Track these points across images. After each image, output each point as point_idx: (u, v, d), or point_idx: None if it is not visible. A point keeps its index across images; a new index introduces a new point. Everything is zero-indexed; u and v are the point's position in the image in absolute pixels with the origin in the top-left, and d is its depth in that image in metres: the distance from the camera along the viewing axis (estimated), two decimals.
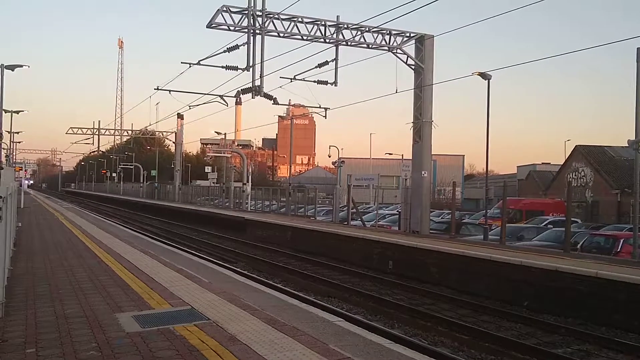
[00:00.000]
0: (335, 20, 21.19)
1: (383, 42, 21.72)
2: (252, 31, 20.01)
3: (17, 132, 54.04)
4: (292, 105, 40.82)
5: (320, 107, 28.74)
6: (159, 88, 31.26)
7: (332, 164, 54.91)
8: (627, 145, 17.53)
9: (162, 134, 67.98)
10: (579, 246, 18.54)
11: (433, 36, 22.15)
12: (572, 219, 23.79)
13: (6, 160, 44.61)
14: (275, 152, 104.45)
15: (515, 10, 31.68)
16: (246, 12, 19.76)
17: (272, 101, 23.86)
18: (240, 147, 71.10)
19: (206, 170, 63.29)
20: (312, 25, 20.83)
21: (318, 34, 20.96)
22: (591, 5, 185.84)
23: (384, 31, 21.47)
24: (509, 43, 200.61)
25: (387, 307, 12.90)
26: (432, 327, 11.15)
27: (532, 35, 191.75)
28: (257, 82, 21.22)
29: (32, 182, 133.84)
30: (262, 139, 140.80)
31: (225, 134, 58.71)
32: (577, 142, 48.41)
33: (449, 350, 9.56)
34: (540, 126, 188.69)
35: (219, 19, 19.30)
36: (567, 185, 25.78)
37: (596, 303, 11.81)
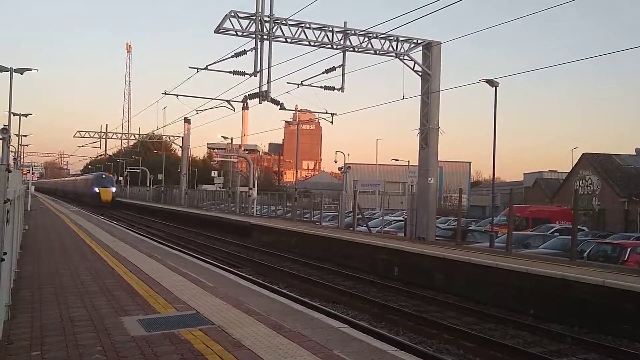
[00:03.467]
0: (343, 26, 21.23)
1: (390, 49, 21.75)
2: (259, 36, 20.08)
3: (25, 135, 54.20)
4: (298, 111, 40.84)
5: (326, 113, 28.89)
6: (167, 92, 31.49)
7: (338, 170, 54.91)
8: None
9: (169, 138, 68.33)
10: (585, 254, 18.44)
11: (440, 43, 22.16)
12: (579, 227, 23.66)
13: (14, 163, 44.82)
14: (281, 157, 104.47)
15: (522, 17, 31.68)
16: (254, 17, 19.83)
17: (279, 106, 23.94)
18: (246, 151, 71.24)
19: (212, 175, 63.40)
20: (319, 31, 20.89)
21: (325, 39, 21.01)
22: (598, 12, 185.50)
23: (392, 37, 21.49)
24: (516, 50, 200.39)
25: (392, 313, 12.86)
26: (437, 334, 11.11)
27: (539, 43, 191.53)
28: (264, 88, 21.29)
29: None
30: (269, 144, 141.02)
31: (232, 138, 58.95)
32: (584, 149, 48.13)
33: (454, 358, 9.52)
34: (547, 134, 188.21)
35: (227, 24, 19.38)
36: (574, 193, 25.64)
37: (603, 312, 11.74)
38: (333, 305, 13.37)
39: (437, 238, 22.41)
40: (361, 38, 21.43)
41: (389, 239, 21.78)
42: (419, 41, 22.00)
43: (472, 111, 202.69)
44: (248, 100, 25.04)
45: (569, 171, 49.14)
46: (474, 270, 15.10)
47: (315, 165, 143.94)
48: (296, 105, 51.02)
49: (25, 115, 42.30)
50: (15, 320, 7.31)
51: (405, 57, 22.02)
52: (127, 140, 79.22)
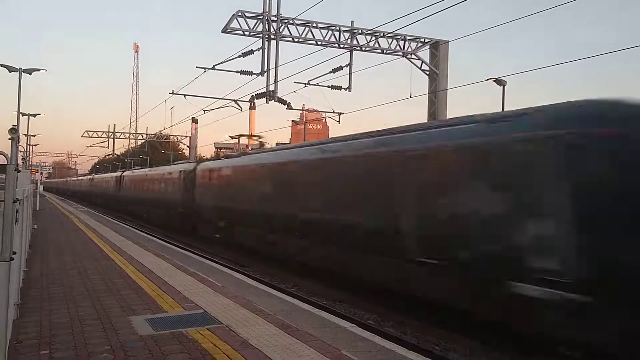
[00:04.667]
0: (350, 25, 21.25)
1: (397, 48, 21.74)
2: (266, 36, 20.13)
3: (34, 135, 54.48)
4: (305, 110, 40.91)
5: (333, 112, 28.87)
6: (174, 92, 31.52)
7: None
8: None
9: (177, 138, 68.50)
10: None
11: (448, 42, 22.13)
12: None
13: (22, 162, 45.04)
14: None
15: (530, 15, 31.53)
16: (261, 17, 19.87)
17: (286, 106, 23.96)
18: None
19: None
20: (326, 31, 20.90)
21: (332, 39, 21.03)
22: (606, 10, 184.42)
23: (399, 37, 21.48)
24: (524, 48, 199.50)
25: (399, 312, 12.81)
26: (445, 334, 11.06)
27: (546, 41, 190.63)
28: (271, 87, 21.32)
29: None
30: (276, 143, 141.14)
31: (239, 137, 58.91)
32: None
33: (461, 357, 9.48)
34: None
35: (234, 24, 19.43)
36: None
37: None
38: (340, 305, 13.35)
39: None
40: (368, 37, 21.43)
41: None
42: (426, 40, 21.98)
43: (480, 110, 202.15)
44: (255, 100, 25.09)
45: None
46: None
47: None
48: (303, 104, 51.19)
49: (34, 115, 42.57)
50: (24, 319, 7.35)
51: (413, 56, 22.01)
52: (134, 140, 79.42)
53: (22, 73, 31.57)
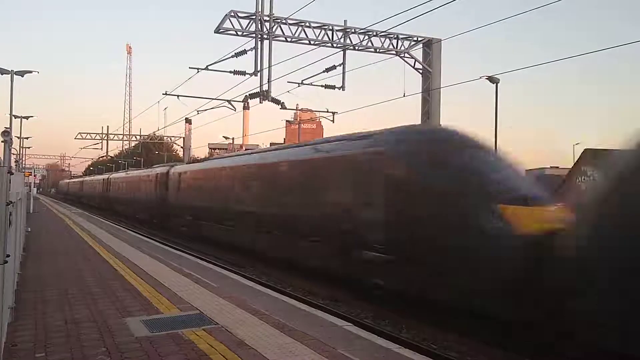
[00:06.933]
0: (343, 24, 21.25)
1: (390, 47, 21.77)
2: (259, 36, 20.11)
3: (27, 138, 54.18)
4: (299, 110, 40.89)
5: (327, 112, 28.93)
6: (167, 93, 31.46)
7: None
8: None
9: (170, 139, 68.49)
10: None
11: (440, 40, 22.18)
12: None
13: (16, 165, 44.83)
14: None
15: (524, 13, 31.64)
16: (254, 17, 19.85)
17: (279, 106, 23.95)
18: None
19: None
20: (319, 30, 20.91)
21: (325, 38, 21.03)
22: (601, 7, 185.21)
23: (392, 35, 21.51)
24: (518, 46, 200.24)
25: (394, 311, 12.82)
26: (440, 332, 11.07)
27: (541, 38, 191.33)
28: (265, 87, 21.30)
29: None
30: (270, 143, 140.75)
31: (233, 138, 58.96)
32: (587, 145, 47.95)
33: (457, 355, 9.49)
34: (549, 130, 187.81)
35: (227, 24, 19.41)
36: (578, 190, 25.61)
37: None
38: (336, 304, 13.35)
39: None
40: (361, 36, 21.46)
41: None
42: (419, 39, 22.02)
43: (473, 108, 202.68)
44: (249, 100, 25.08)
45: (571, 167, 49.01)
46: None
47: None
48: (297, 104, 50.97)
49: (27, 117, 42.38)
50: (18, 322, 7.31)
51: (406, 55, 22.04)
52: (128, 142, 79.24)
53: (15, 75, 31.41)
